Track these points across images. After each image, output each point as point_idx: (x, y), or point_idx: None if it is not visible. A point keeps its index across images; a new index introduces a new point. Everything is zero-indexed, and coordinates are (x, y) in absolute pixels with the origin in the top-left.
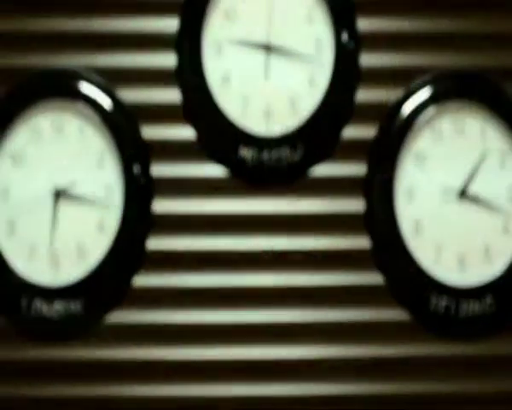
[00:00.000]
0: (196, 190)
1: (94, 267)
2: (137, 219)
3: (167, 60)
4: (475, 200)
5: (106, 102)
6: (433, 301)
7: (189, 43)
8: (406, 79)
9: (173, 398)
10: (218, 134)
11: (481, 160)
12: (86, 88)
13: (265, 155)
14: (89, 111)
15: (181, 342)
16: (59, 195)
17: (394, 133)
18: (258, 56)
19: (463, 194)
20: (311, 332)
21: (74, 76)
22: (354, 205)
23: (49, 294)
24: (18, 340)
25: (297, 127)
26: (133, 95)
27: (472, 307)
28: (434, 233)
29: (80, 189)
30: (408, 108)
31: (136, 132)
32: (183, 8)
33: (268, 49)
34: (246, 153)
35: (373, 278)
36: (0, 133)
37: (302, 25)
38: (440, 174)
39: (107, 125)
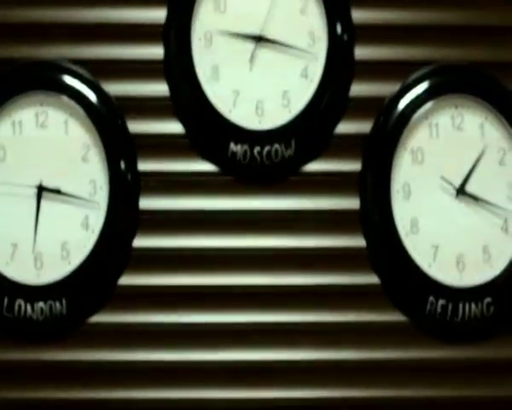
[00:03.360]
0: (185, 187)
1: (78, 267)
2: (123, 216)
3: (155, 52)
4: (474, 198)
5: (91, 95)
6: (430, 302)
7: (177, 35)
8: (402, 73)
9: (159, 400)
10: (207, 129)
11: (480, 156)
12: (70, 81)
13: (256, 151)
14: (73, 104)
15: (168, 345)
16: (42, 191)
17: (390, 129)
18: (249, 49)
19: (461, 192)
20: (303, 335)
21: (58, 68)
22: (348, 203)
23: (32, 294)
24: None
25: (289, 122)
26: (119, 88)
27: (470, 309)
28: (431, 232)
29: (64, 185)
30: (404, 102)
31: (123, 127)
32: None
33: (259, 41)
34: (236, 148)
35: (368, 278)
36: None
37: (295, 16)
38: (438, 171)
39: (91, 120)
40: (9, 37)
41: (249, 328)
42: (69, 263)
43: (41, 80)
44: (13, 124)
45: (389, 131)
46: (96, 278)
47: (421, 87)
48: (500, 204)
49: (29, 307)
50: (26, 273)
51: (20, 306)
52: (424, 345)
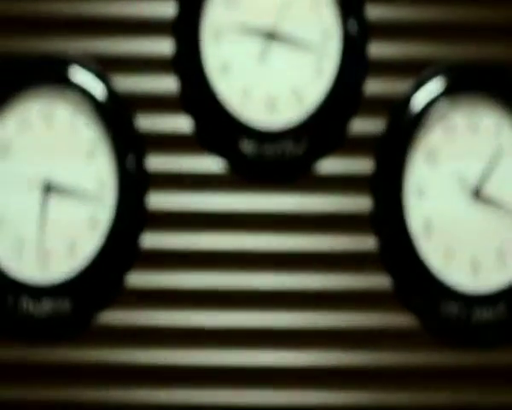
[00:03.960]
0: (193, 185)
1: (84, 265)
2: (131, 214)
3: (164, 46)
4: (490, 200)
5: (98, 90)
6: (444, 306)
7: (187, 29)
8: (417, 71)
9: (166, 403)
10: (217, 126)
11: (496, 157)
12: (78, 75)
13: (267, 149)
14: (80, 99)
15: (175, 345)
16: (48, 188)
17: (404, 128)
18: (261, 44)
19: (477, 193)
20: (313, 338)
21: (65, 62)
22: (361, 203)
23: (37, 292)
24: (3, 340)
25: (301, 120)
26: (128, 83)
27: (485, 314)
28: (446, 235)
29: (71, 182)
30: (419, 101)
31: (131, 123)
32: None
33: (271, 36)
34: (246, 146)
35: (380, 281)
36: None
37: (308, 12)
38: (453, 172)
39: (99, 115)
40: (15, 30)
41: (260, 330)
42: (75, 260)
43: (47, 75)
44: (19, 119)
45: (403, 131)
46: (103, 276)
47: (437, 85)
48: None
49: (34, 307)
50: (31, 271)
51: (24, 304)
52: (437, 350)
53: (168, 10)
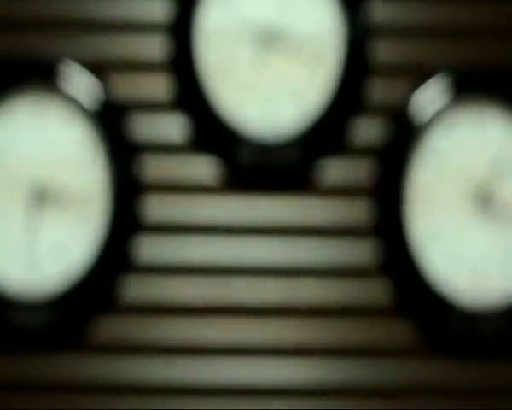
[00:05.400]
0: (189, 191)
1: (77, 273)
2: (124, 220)
3: (159, 48)
4: (496, 208)
5: (91, 92)
6: (449, 319)
7: (182, 30)
8: (421, 73)
9: None
10: (213, 129)
11: (504, 164)
12: (70, 77)
13: (265, 154)
14: (72, 102)
15: (170, 358)
16: (39, 193)
17: (408, 132)
18: (259, 44)
19: (483, 201)
20: (313, 351)
21: (56, 64)
22: (362, 210)
23: (27, 302)
24: None
25: (300, 123)
26: (121, 85)
27: (491, 327)
28: (451, 244)
29: (62, 186)
30: (424, 105)
31: (124, 126)
32: None
33: (270, 36)
34: (244, 151)
35: (382, 292)
36: None
37: (309, 11)
38: (458, 178)
39: (91, 118)
40: (6, 31)
41: (260, 343)
42: (67, 269)
43: (38, 77)
44: (8, 123)
45: (406, 135)
46: (96, 286)
47: (442, 89)
48: None
49: (24, 317)
50: (21, 280)
51: (14, 315)
52: (442, 364)
53: (163, 10)
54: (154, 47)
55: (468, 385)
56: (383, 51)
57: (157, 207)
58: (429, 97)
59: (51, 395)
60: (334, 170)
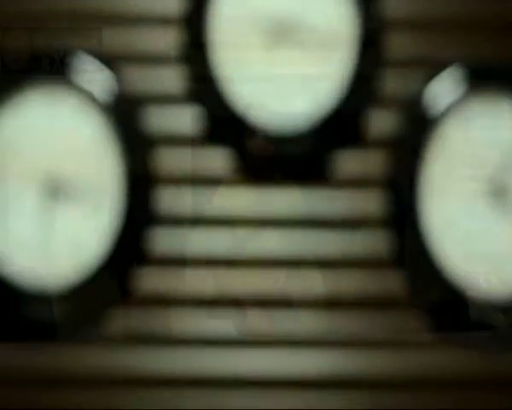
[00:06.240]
0: (203, 183)
1: (90, 266)
2: (138, 213)
3: (173, 40)
4: (511, 199)
5: (104, 84)
6: (464, 310)
7: (196, 23)
8: (435, 65)
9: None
10: (226, 121)
11: None
12: (82, 69)
13: (279, 146)
14: (85, 94)
15: (185, 350)
16: (53, 185)
17: (421, 124)
18: (273, 36)
19: (498, 194)
20: (326, 344)
21: (70, 56)
22: (377, 201)
23: (41, 294)
24: (6, 343)
25: (313, 115)
26: (135, 77)
27: (507, 319)
28: (465, 236)
29: (77, 179)
30: (437, 99)
31: (138, 118)
32: None
33: (284, 28)
34: (257, 142)
35: (396, 283)
36: None
37: (323, 2)
38: (473, 172)
39: (105, 110)
40: (18, 24)
41: (278, 334)
42: (80, 262)
43: (51, 69)
44: (21, 116)
45: (421, 128)
46: (109, 278)
47: (456, 82)
48: None
49: (37, 309)
50: (34, 272)
51: (27, 307)
52: (457, 357)
53: (178, 2)
54: (168, 40)
55: (484, 377)
56: (397, 43)
57: (171, 200)
58: (443, 89)
59: (66, 387)
60: (348, 161)
